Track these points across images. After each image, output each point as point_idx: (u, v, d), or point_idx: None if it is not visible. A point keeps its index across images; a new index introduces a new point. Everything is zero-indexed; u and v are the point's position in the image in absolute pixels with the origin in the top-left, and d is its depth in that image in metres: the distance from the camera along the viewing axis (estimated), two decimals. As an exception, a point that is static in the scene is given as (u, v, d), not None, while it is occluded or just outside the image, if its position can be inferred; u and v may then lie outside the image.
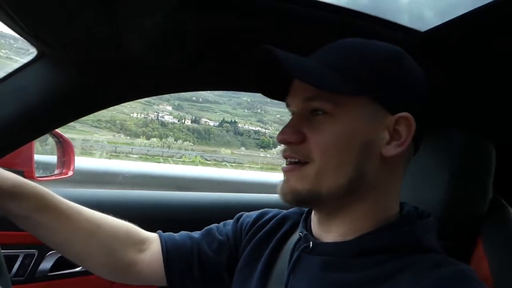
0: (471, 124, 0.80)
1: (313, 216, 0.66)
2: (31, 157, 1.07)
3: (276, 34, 0.82)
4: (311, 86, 0.56)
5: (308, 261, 0.62)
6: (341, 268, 0.57)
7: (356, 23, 0.86)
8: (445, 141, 0.79)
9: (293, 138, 0.58)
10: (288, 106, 0.64)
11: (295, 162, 0.59)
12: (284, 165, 0.61)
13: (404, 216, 0.61)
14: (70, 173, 1.26)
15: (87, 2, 0.53)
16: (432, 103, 0.63)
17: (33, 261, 0.98)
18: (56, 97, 0.83)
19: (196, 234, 0.78)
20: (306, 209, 0.71)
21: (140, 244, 0.75)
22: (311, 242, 0.62)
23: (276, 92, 0.66)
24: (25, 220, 0.66)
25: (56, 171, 1.24)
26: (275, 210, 0.79)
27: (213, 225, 0.80)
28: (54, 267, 1.00)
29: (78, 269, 1.03)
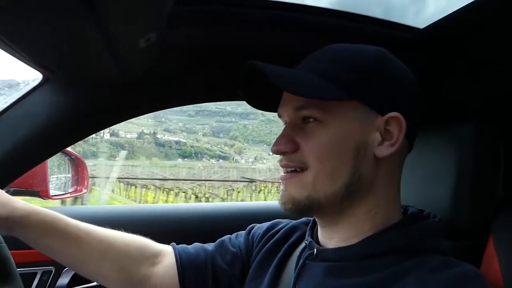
0: (479, 119, 0.79)
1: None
2: (45, 177, 1.11)
3: (270, 43, 0.83)
4: (297, 95, 0.57)
5: (312, 268, 0.62)
6: (345, 273, 0.57)
7: (354, 26, 0.86)
8: (451, 136, 0.78)
9: (287, 148, 0.59)
10: (280, 116, 0.65)
11: (293, 170, 0.60)
12: (283, 173, 0.62)
13: (407, 217, 0.61)
14: (84, 190, 1.29)
15: (83, 30, 0.55)
16: (424, 99, 0.63)
17: (51, 277, 1.01)
18: (64, 117, 0.87)
19: (209, 246, 0.79)
20: (312, 218, 0.71)
21: (153, 257, 0.76)
22: (315, 249, 0.63)
23: (268, 104, 0.68)
24: (36, 244, 0.70)
25: (71, 189, 1.27)
26: (285, 221, 0.79)
27: (226, 237, 0.81)
28: (70, 283, 1.03)
29: (93, 283, 1.05)
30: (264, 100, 0.67)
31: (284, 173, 0.61)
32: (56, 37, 0.58)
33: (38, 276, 1.00)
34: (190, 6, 0.73)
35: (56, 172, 1.25)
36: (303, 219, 0.77)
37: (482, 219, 0.75)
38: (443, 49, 0.85)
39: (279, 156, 0.62)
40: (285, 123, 0.63)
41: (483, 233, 0.74)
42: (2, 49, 0.65)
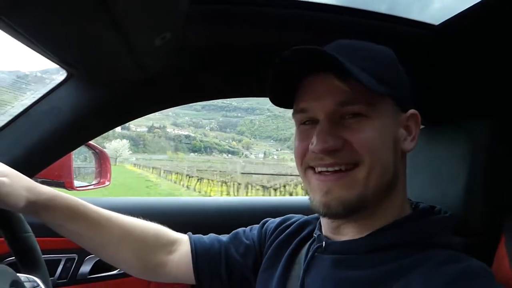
0: (493, 116, 0.77)
1: (323, 218, 0.67)
2: (70, 170, 1.16)
3: (283, 41, 0.84)
4: (363, 86, 0.53)
5: (321, 260, 0.63)
6: (353, 265, 0.58)
7: (372, 24, 0.86)
8: (465, 134, 0.77)
9: (338, 144, 0.56)
10: (304, 111, 0.61)
11: (338, 170, 0.57)
12: (321, 175, 0.59)
13: (417, 212, 0.62)
14: (107, 182, 1.34)
15: (102, 30, 0.59)
16: (439, 97, 0.64)
17: (74, 264, 1.05)
18: (86, 112, 0.91)
19: (224, 237, 0.81)
20: None
21: (170, 245, 0.79)
22: (323, 242, 0.64)
23: (284, 99, 0.65)
24: (61, 228, 0.73)
25: (94, 181, 1.32)
26: (298, 216, 0.81)
27: (240, 229, 0.83)
28: (93, 270, 1.07)
29: (115, 271, 1.10)
30: (285, 95, 0.64)
31: (326, 173, 0.58)
32: (77, 36, 0.62)
33: (62, 263, 1.04)
34: (205, 5, 0.75)
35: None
36: (316, 214, 0.78)
37: (494, 217, 0.74)
38: (457, 46, 0.84)
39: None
40: (307, 120, 0.61)
41: (495, 231, 0.73)
42: (30, 48, 0.69)
